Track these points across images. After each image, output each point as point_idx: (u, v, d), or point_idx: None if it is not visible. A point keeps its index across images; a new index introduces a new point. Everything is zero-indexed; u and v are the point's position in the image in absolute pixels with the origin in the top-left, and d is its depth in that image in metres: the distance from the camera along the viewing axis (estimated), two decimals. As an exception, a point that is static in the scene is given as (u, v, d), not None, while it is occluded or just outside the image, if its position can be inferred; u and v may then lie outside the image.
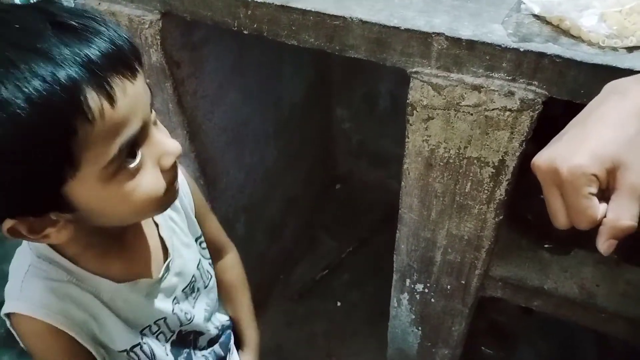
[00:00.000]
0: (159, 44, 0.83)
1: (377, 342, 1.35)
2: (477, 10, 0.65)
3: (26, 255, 0.56)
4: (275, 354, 1.49)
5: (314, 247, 1.75)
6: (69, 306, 0.56)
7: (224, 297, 0.84)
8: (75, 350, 0.57)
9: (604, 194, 0.42)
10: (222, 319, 0.82)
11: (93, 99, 0.40)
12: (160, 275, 0.65)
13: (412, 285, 0.96)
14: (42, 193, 0.43)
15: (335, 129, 1.80)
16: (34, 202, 0.44)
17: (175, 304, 0.68)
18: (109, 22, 0.44)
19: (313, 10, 0.67)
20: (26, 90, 0.37)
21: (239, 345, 0.87)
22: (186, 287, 0.70)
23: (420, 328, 1.05)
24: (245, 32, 0.74)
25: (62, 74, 0.38)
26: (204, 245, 0.76)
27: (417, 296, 0.98)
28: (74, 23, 0.41)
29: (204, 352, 0.77)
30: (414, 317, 1.03)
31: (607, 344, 1.26)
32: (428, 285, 0.94)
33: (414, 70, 0.66)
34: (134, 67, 0.45)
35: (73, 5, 2.46)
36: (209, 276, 0.76)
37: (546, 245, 0.90)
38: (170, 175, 0.52)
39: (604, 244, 0.42)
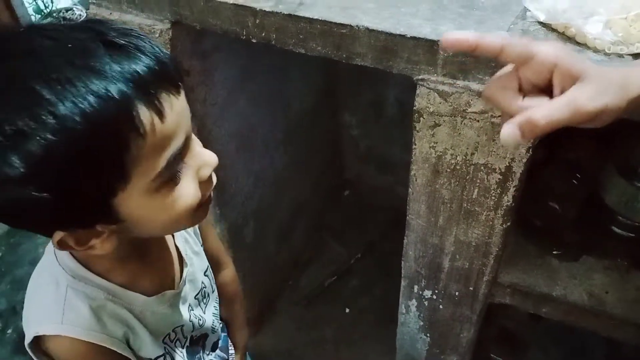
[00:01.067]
0: (169, 52, 0.84)
1: (385, 348, 1.35)
2: (483, 18, 0.65)
3: (59, 276, 0.56)
4: (284, 358, 1.49)
5: (322, 252, 1.76)
6: (111, 323, 0.58)
7: (221, 306, 0.86)
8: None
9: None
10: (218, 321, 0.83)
11: (144, 114, 0.42)
12: (179, 288, 0.66)
13: (420, 292, 0.96)
14: (94, 206, 0.45)
15: (343, 135, 1.80)
16: (85, 215, 0.45)
17: (191, 311, 0.70)
18: (153, 40, 0.46)
19: (320, 19, 0.68)
20: (82, 106, 0.39)
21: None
22: (197, 293, 0.72)
23: (428, 335, 1.05)
24: (253, 40, 0.75)
25: (114, 90, 0.40)
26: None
27: (426, 303, 0.98)
28: (122, 41, 0.43)
29: (211, 355, 0.78)
30: (422, 323, 1.03)
31: (617, 350, 1.24)
32: (436, 291, 0.94)
33: (420, 77, 0.66)
34: (178, 83, 0.47)
35: (85, 15, 2.48)
36: (214, 281, 0.78)
37: (555, 252, 0.90)
38: (208, 185, 0.53)
39: (506, 127, 0.41)
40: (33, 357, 0.58)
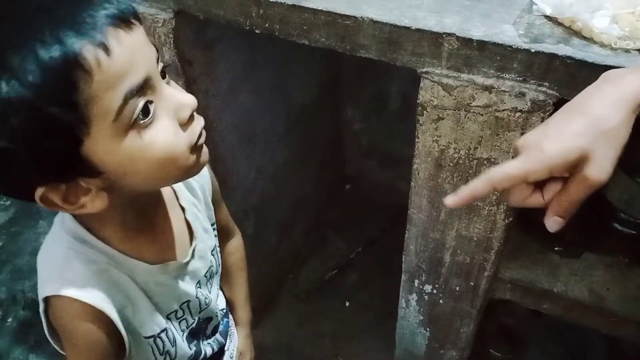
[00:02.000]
0: (172, 42, 0.84)
1: (384, 343, 1.35)
2: (488, 11, 0.65)
3: (61, 239, 0.57)
4: (283, 352, 1.49)
5: (323, 246, 1.76)
6: (111, 288, 0.57)
7: (224, 278, 0.85)
8: (111, 335, 0.57)
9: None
10: (221, 305, 0.83)
11: (88, 50, 0.42)
12: (187, 258, 0.66)
13: (421, 286, 0.96)
14: (62, 155, 0.44)
15: (345, 130, 1.80)
16: (56, 165, 0.45)
17: (198, 288, 0.70)
18: None
19: (324, 9, 0.67)
20: (31, 55, 0.40)
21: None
22: (207, 271, 0.72)
23: (428, 329, 1.05)
24: (257, 31, 0.75)
25: (60, 34, 0.41)
26: (216, 231, 0.77)
27: (426, 297, 0.98)
28: None
29: (210, 340, 0.78)
30: (422, 318, 1.03)
31: (617, 348, 1.24)
32: (437, 286, 0.94)
33: (424, 70, 0.66)
34: (128, 19, 0.46)
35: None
36: (220, 262, 0.78)
37: (556, 248, 0.90)
38: (192, 130, 0.52)
39: (549, 220, 0.47)
40: (46, 329, 0.58)
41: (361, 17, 0.65)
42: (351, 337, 1.52)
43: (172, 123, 0.49)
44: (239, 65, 1.06)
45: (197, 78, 0.93)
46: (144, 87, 0.46)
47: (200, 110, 0.95)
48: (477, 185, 0.47)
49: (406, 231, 0.88)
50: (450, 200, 0.49)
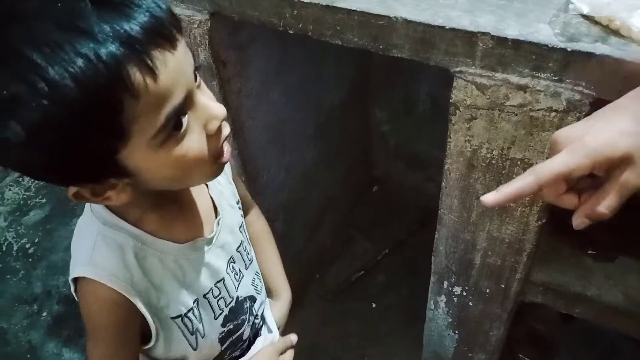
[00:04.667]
0: (207, 43, 0.85)
1: (410, 345, 1.35)
2: (524, 10, 0.64)
3: (92, 225, 0.58)
4: (309, 352, 1.50)
5: (350, 247, 1.76)
6: (135, 273, 0.58)
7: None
8: (135, 319, 0.59)
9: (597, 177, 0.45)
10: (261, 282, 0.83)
11: (136, 74, 0.42)
12: (214, 232, 0.67)
13: (450, 288, 0.96)
14: (98, 163, 0.46)
15: (373, 131, 1.80)
16: (92, 171, 0.47)
17: (232, 263, 0.71)
18: None
19: (358, 10, 0.68)
20: (72, 70, 0.39)
21: (270, 296, 0.89)
22: (239, 246, 0.73)
23: (457, 332, 1.04)
24: (290, 31, 0.76)
25: (104, 52, 0.40)
26: (241, 210, 0.78)
27: (455, 299, 0.97)
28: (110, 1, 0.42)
29: (256, 320, 0.79)
30: (450, 320, 1.03)
31: (652, 356, 1.21)
32: (466, 288, 0.93)
33: (457, 69, 0.66)
34: (173, 38, 0.46)
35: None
36: (250, 244, 0.79)
37: (590, 252, 0.88)
38: (217, 139, 0.53)
39: (577, 220, 0.47)
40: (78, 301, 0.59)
41: (394, 17, 0.66)
42: (377, 339, 1.51)
43: (202, 133, 0.51)
44: (270, 66, 1.08)
45: (231, 79, 0.95)
46: (184, 105, 0.48)
47: (232, 110, 0.98)
48: (521, 184, 0.45)
49: (436, 232, 0.88)
50: (490, 198, 0.46)
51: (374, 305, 1.60)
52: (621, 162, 0.42)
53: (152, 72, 0.43)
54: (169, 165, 0.50)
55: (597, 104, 0.61)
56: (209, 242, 0.67)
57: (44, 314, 1.66)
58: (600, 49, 0.57)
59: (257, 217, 0.89)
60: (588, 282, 0.84)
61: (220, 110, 0.52)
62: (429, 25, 0.64)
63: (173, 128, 0.48)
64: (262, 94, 1.07)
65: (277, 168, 1.24)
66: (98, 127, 0.42)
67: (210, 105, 0.51)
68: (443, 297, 0.99)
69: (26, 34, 0.40)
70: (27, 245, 1.87)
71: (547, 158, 0.66)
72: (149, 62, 0.43)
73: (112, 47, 0.40)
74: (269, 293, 0.88)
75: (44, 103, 0.39)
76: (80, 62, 0.39)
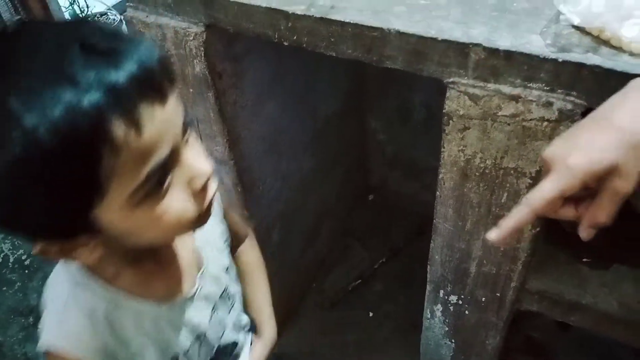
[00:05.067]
0: (202, 55, 0.86)
1: (408, 353, 1.35)
2: (515, 21, 0.65)
3: (63, 284, 0.55)
4: (307, 362, 1.49)
5: (347, 256, 1.76)
6: (106, 339, 0.55)
7: (241, 280, 0.82)
8: None
9: (587, 192, 0.46)
10: (244, 320, 0.80)
11: (118, 127, 0.39)
12: (195, 287, 0.64)
13: (446, 297, 0.96)
14: (70, 218, 0.43)
15: (369, 140, 1.81)
16: (62, 226, 0.43)
17: (214, 312, 0.67)
18: (142, 42, 0.42)
19: (352, 22, 0.69)
20: (50, 117, 0.36)
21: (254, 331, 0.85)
22: (223, 292, 0.70)
23: (453, 340, 1.04)
24: (285, 43, 0.76)
25: (86, 101, 0.37)
26: (229, 247, 0.76)
27: (451, 308, 0.97)
28: (103, 45, 0.40)
29: None
30: (447, 329, 1.03)
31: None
32: (462, 296, 0.94)
33: (450, 80, 0.67)
34: (164, 91, 0.43)
35: (120, 19, 2.53)
36: (238, 281, 0.77)
37: (585, 260, 0.89)
38: (202, 198, 0.50)
39: (583, 233, 0.48)
40: None
41: (388, 29, 0.67)
42: (375, 348, 1.51)
43: (186, 192, 0.48)
44: (266, 77, 1.08)
45: (226, 90, 0.95)
46: (168, 162, 0.44)
47: (228, 121, 0.98)
48: (518, 217, 0.47)
49: (431, 241, 0.88)
50: (494, 235, 0.48)
51: (371, 314, 1.60)
52: (608, 173, 0.44)
53: (136, 126, 0.40)
54: (147, 225, 0.46)
55: (589, 113, 0.62)
56: (191, 299, 0.63)
57: (40, 326, 1.65)
58: (591, 59, 0.58)
59: (250, 247, 0.86)
60: (583, 290, 0.85)
61: (206, 167, 0.49)
62: (421, 37, 0.65)
63: (154, 185, 0.44)
64: (257, 105, 1.07)
65: (273, 178, 1.24)
66: (72, 180, 0.39)
67: (196, 161, 0.48)
68: (439, 306, 0.99)
69: (8, 76, 0.38)
70: (24, 257, 1.86)
71: (540, 168, 0.67)
72: (134, 115, 0.40)
73: (95, 96, 0.37)
74: (254, 327, 0.85)
75: (15, 150, 0.37)
76: (58, 109, 0.36)
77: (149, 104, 0.41)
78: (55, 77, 0.37)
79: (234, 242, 0.79)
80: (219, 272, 0.70)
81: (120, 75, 0.39)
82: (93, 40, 0.40)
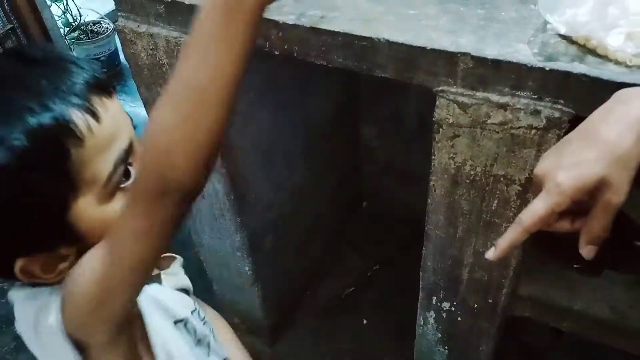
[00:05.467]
0: (193, 64, 0.86)
1: (403, 361, 1.34)
2: (503, 31, 0.66)
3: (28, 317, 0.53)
4: (301, 370, 1.49)
5: (340, 264, 1.76)
6: None
7: None
8: None
9: (582, 205, 0.47)
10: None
11: (79, 117, 0.44)
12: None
13: (439, 304, 0.96)
14: (49, 223, 0.44)
15: (362, 148, 1.81)
16: (42, 233, 0.45)
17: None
18: (79, 58, 0.49)
19: (342, 31, 0.69)
20: (19, 123, 0.41)
21: None
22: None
23: (446, 347, 1.05)
24: (276, 52, 0.77)
25: (48, 102, 0.42)
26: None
27: (444, 314, 0.97)
28: (46, 58, 0.47)
29: None
30: (440, 335, 1.03)
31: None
32: (455, 303, 0.94)
33: (440, 89, 0.67)
34: (110, 89, 0.49)
35: (113, 27, 2.54)
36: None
37: (576, 266, 0.89)
38: None
39: (584, 250, 0.49)
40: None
41: (377, 38, 0.67)
42: (369, 355, 1.51)
43: None
44: (257, 86, 1.09)
45: (218, 98, 0.95)
46: (129, 151, 0.49)
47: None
48: (512, 236, 0.49)
49: (423, 248, 0.89)
50: (491, 253, 0.52)
51: (364, 321, 1.60)
52: (598, 187, 0.45)
53: (94, 114, 0.45)
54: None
55: (577, 121, 0.62)
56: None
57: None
58: (577, 67, 0.59)
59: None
60: (575, 296, 0.85)
61: None
62: (411, 46, 0.66)
63: (122, 177, 0.48)
64: (250, 113, 1.08)
65: (266, 186, 1.24)
66: (47, 177, 0.42)
67: None
68: (432, 313, 0.99)
69: None
70: (15, 266, 1.85)
71: (530, 173, 0.68)
72: (90, 105, 0.45)
73: (55, 98, 0.43)
74: None
75: None
76: (27, 115, 0.41)
77: (99, 98, 0.46)
78: (15, 89, 0.43)
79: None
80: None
81: (71, 77, 0.45)
82: (34, 56, 0.47)
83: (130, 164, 0.49)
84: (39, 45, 0.50)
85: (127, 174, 0.49)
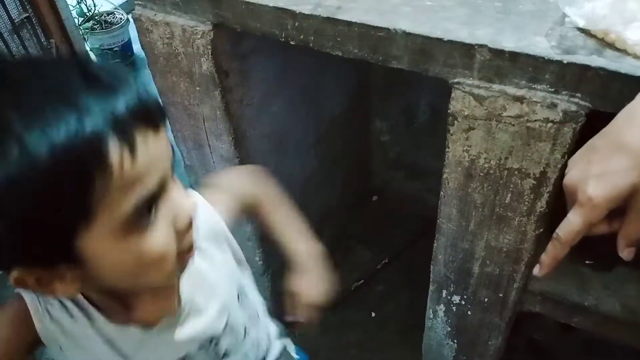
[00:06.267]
0: (209, 53, 0.87)
1: (410, 354, 1.34)
2: (521, 23, 0.65)
3: None
4: (308, 362, 1.49)
5: (349, 257, 1.76)
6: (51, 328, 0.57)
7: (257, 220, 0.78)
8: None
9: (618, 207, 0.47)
10: (267, 330, 0.78)
11: (114, 150, 0.40)
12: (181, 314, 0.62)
13: (449, 297, 0.96)
14: (54, 243, 0.42)
15: (372, 141, 1.81)
16: (44, 251, 0.42)
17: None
18: (137, 80, 0.45)
19: (358, 22, 0.69)
20: (50, 136, 0.37)
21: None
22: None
23: (455, 341, 1.05)
24: (292, 42, 0.77)
25: (87, 123, 0.38)
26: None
27: (454, 308, 0.98)
28: (103, 76, 0.42)
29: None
30: (449, 329, 1.03)
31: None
32: (465, 297, 0.94)
33: (455, 80, 0.67)
34: (157, 122, 0.45)
35: (126, 18, 2.55)
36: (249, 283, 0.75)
37: (587, 262, 0.89)
38: (183, 237, 0.50)
39: (623, 252, 0.50)
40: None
41: (394, 29, 0.67)
42: (377, 348, 1.51)
43: (170, 229, 0.48)
44: (272, 77, 1.09)
45: (233, 88, 0.96)
46: (156, 193, 0.45)
47: (234, 119, 0.99)
48: (554, 252, 0.52)
49: (435, 241, 0.89)
50: (537, 271, 0.56)
51: (373, 314, 1.60)
52: (632, 195, 0.45)
53: (131, 150, 0.41)
54: (129, 258, 0.46)
55: (593, 115, 0.62)
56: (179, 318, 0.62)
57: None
58: (595, 61, 0.59)
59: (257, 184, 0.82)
60: (586, 292, 0.85)
61: (190, 205, 0.49)
62: (427, 37, 0.65)
63: (141, 217, 0.44)
64: (263, 103, 1.08)
65: (277, 177, 1.25)
66: (62, 201, 0.39)
67: (180, 200, 0.49)
68: (442, 306, 0.99)
69: (11, 98, 0.39)
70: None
71: (545, 167, 0.67)
72: (130, 140, 0.41)
73: (95, 119, 0.39)
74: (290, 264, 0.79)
75: (11, 168, 0.37)
76: (59, 129, 0.37)
77: (143, 132, 0.42)
78: (58, 100, 0.39)
79: (248, 203, 0.77)
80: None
81: (120, 102, 0.41)
82: (93, 70, 0.42)
83: (155, 203, 0.46)
84: (105, 64, 0.44)
85: (147, 214, 0.45)
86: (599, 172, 0.46)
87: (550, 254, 0.52)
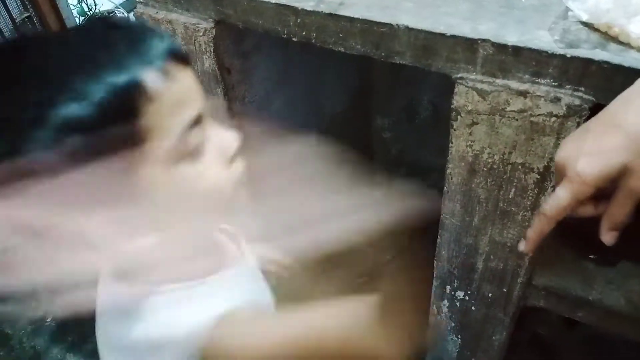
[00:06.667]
0: (212, 50, 0.87)
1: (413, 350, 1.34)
2: (523, 17, 0.65)
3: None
4: (312, 358, 1.50)
5: (352, 254, 1.76)
6: None
7: None
8: None
9: (605, 191, 0.47)
10: None
11: (152, 79, 0.45)
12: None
13: (453, 292, 0.96)
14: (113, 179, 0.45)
15: (374, 138, 1.81)
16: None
17: None
18: (160, 31, 0.50)
19: (360, 17, 0.69)
20: (99, 79, 0.42)
21: None
22: None
23: (459, 336, 1.05)
24: (294, 39, 0.77)
25: (124, 63, 0.44)
26: None
27: (457, 303, 0.98)
28: (129, 25, 0.49)
29: None
30: (453, 324, 1.03)
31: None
32: (469, 292, 0.94)
33: (459, 75, 0.67)
34: (186, 58, 0.50)
35: (127, 17, 2.56)
36: None
37: (591, 256, 0.89)
38: (237, 168, 0.53)
39: (606, 236, 0.49)
40: None
41: (396, 25, 0.67)
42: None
43: (218, 160, 0.51)
44: (274, 74, 1.09)
45: (235, 85, 0.96)
46: (199, 121, 0.49)
47: (237, 116, 0.99)
48: (539, 227, 0.51)
49: (438, 236, 0.89)
50: (523, 246, 0.55)
51: (376, 311, 1.61)
52: (621, 174, 0.44)
53: (167, 76, 0.46)
54: (185, 187, 0.49)
55: (597, 109, 0.62)
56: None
57: (49, 319, 1.66)
58: (599, 55, 0.58)
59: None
60: (590, 287, 0.85)
61: (234, 135, 0.53)
62: (430, 33, 0.65)
63: (190, 145, 0.48)
64: (265, 100, 1.08)
65: (280, 174, 1.25)
66: (116, 131, 0.43)
67: (225, 131, 0.53)
68: (446, 302, 0.99)
69: (66, 55, 0.45)
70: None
71: (549, 162, 0.68)
72: (164, 69, 0.46)
73: (132, 59, 0.45)
74: None
75: (73, 108, 0.42)
76: (103, 72, 0.43)
77: (176, 64, 0.48)
78: (101, 51, 0.45)
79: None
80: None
81: (150, 43, 0.47)
82: (119, 23, 0.49)
83: (201, 132, 0.49)
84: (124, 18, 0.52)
85: (197, 144, 0.49)
86: (591, 150, 0.46)
87: (536, 228, 0.51)
